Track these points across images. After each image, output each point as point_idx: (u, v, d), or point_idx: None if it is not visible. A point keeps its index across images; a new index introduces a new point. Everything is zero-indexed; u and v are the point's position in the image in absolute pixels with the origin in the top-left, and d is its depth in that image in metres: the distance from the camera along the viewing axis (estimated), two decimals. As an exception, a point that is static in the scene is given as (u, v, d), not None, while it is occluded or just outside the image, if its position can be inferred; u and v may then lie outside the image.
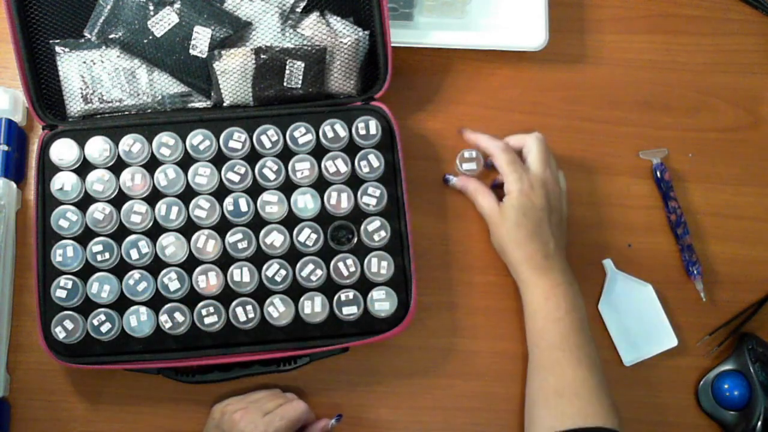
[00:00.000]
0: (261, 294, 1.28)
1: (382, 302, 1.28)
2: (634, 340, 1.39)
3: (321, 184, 1.31)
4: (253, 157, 1.31)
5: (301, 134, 1.31)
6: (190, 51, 1.32)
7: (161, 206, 1.28)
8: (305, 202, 1.29)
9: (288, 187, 1.30)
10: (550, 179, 1.34)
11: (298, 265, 1.28)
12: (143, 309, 1.27)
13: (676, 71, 1.51)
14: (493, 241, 1.37)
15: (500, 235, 1.34)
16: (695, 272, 1.41)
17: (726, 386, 1.37)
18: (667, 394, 1.40)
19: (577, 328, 1.29)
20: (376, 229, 1.29)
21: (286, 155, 1.31)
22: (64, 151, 1.30)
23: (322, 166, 1.30)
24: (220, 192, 1.30)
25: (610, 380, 1.37)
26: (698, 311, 1.42)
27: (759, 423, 1.34)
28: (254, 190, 1.30)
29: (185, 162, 1.30)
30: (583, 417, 1.23)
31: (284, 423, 1.24)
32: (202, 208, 1.29)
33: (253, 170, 1.30)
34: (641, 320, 1.40)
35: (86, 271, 1.28)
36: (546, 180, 1.33)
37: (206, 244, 1.28)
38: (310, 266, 1.28)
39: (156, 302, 1.28)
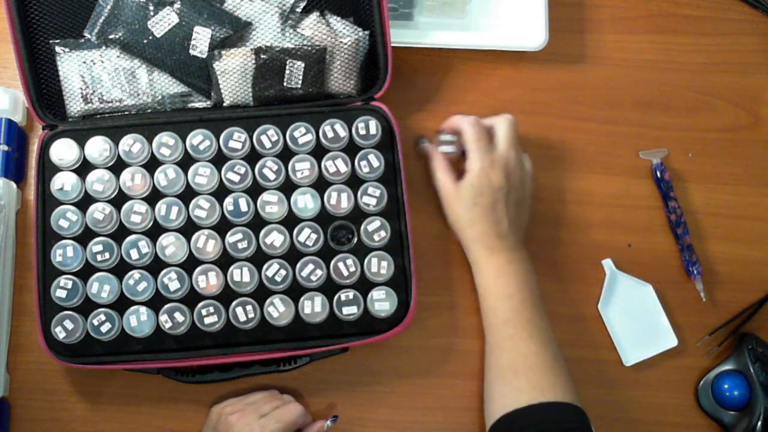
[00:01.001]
0: (261, 294, 1.28)
1: (382, 302, 1.28)
2: (634, 340, 1.39)
3: (321, 184, 1.31)
4: (253, 157, 1.31)
5: (301, 134, 1.31)
6: (190, 51, 1.32)
7: (161, 206, 1.28)
8: (305, 202, 1.29)
9: (288, 187, 1.30)
10: (512, 159, 1.34)
11: (298, 265, 1.28)
12: (143, 309, 1.27)
13: (676, 71, 1.51)
14: (448, 218, 1.37)
15: (455, 213, 1.35)
16: (695, 272, 1.41)
17: (726, 386, 1.37)
18: (667, 394, 1.40)
19: (528, 303, 1.30)
20: (376, 229, 1.29)
21: (286, 155, 1.31)
22: (64, 151, 1.30)
23: (322, 166, 1.30)
24: (220, 192, 1.30)
25: (611, 380, 1.38)
26: (698, 311, 1.42)
27: (759, 423, 1.34)
28: (254, 190, 1.30)
29: (185, 162, 1.30)
30: (540, 391, 1.24)
31: (280, 426, 1.24)
32: (202, 208, 1.29)
33: (253, 170, 1.30)
34: (641, 320, 1.40)
35: (86, 271, 1.28)
36: (508, 159, 1.33)
37: (206, 244, 1.28)
38: (310, 266, 1.28)
39: (156, 302, 1.28)
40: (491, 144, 1.34)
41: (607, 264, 1.42)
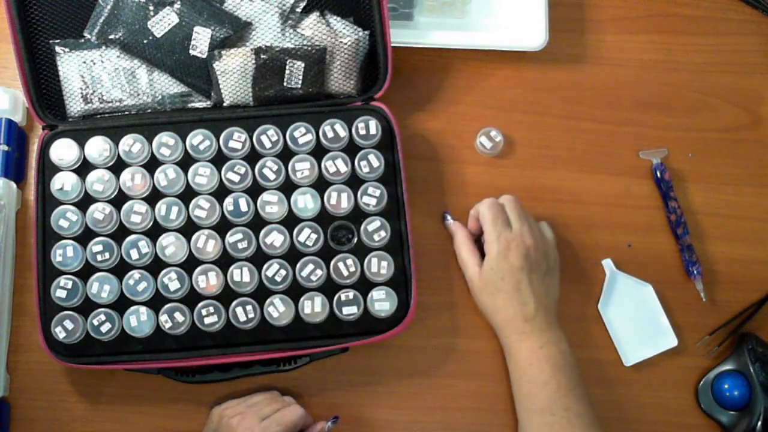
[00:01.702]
0: (261, 294, 1.28)
1: (382, 302, 1.28)
2: (634, 340, 1.39)
3: (321, 184, 1.31)
4: (253, 157, 1.31)
5: (301, 134, 1.31)
6: (190, 51, 1.32)
7: (161, 206, 1.28)
8: (305, 202, 1.29)
9: (288, 187, 1.30)
10: (527, 233, 1.32)
11: (298, 265, 1.28)
12: (143, 309, 1.27)
13: (676, 71, 1.51)
14: (476, 301, 1.37)
15: (480, 301, 1.35)
16: (695, 272, 1.41)
17: (726, 386, 1.37)
18: (667, 394, 1.40)
19: (565, 389, 1.27)
20: (376, 229, 1.29)
21: (286, 155, 1.31)
22: (64, 151, 1.30)
23: (322, 166, 1.30)
24: (220, 192, 1.30)
25: (611, 380, 1.37)
26: (698, 311, 1.42)
27: (759, 423, 1.34)
28: (254, 190, 1.30)
29: (185, 162, 1.30)
30: None
31: (281, 429, 1.24)
32: (202, 208, 1.29)
33: (253, 170, 1.30)
34: (641, 320, 1.40)
35: (86, 271, 1.28)
36: (523, 236, 1.32)
37: (206, 244, 1.28)
38: (310, 266, 1.28)
39: (156, 302, 1.27)
40: (508, 224, 1.33)
41: (607, 264, 1.42)
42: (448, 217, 1.41)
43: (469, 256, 1.35)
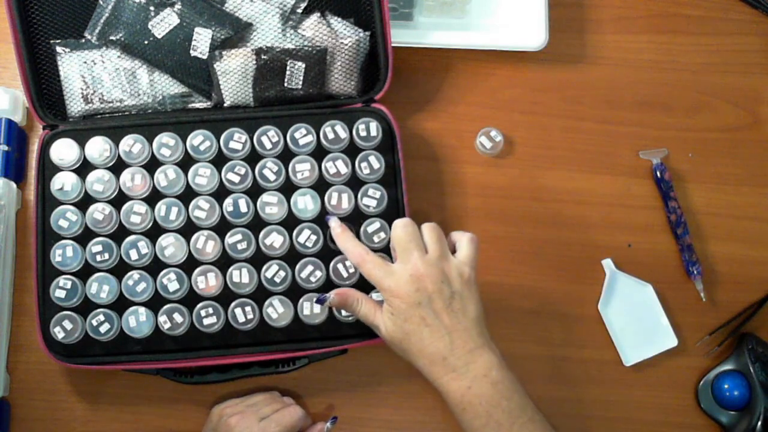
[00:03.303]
0: (260, 295, 1.28)
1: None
2: (634, 340, 1.40)
3: (321, 186, 1.31)
4: (253, 157, 1.31)
5: (302, 135, 1.31)
6: (191, 52, 1.32)
7: (161, 207, 1.28)
8: (305, 203, 1.29)
9: (288, 188, 1.30)
10: (418, 262, 1.19)
11: (298, 266, 1.28)
12: (142, 309, 1.27)
13: (676, 71, 1.51)
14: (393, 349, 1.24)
15: (396, 348, 1.22)
16: (695, 272, 1.41)
17: (726, 386, 1.37)
18: (667, 394, 1.40)
19: (506, 425, 1.14)
20: (376, 231, 1.29)
21: (286, 156, 1.31)
22: (64, 151, 1.30)
23: (323, 167, 1.30)
24: (220, 193, 1.30)
25: (611, 380, 1.38)
26: (698, 311, 1.42)
27: (759, 423, 1.34)
28: (254, 191, 1.30)
29: (185, 162, 1.30)
30: None
31: (280, 429, 1.24)
32: (201, 209, 1.28)
33: (253, 171, 1.30)
34: (641, 320, 1.40)
35: (86, 272, 1.28)
36: (415, 267, 1.19)
37: (206, 244, 1.28)
38: (310, 267, 1.28)
39: (155, 303, 1.28)
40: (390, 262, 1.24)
41: (607, 264, 1.42)
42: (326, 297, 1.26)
43: (369, 307, 1.23)
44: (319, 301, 1.24)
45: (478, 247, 1.24)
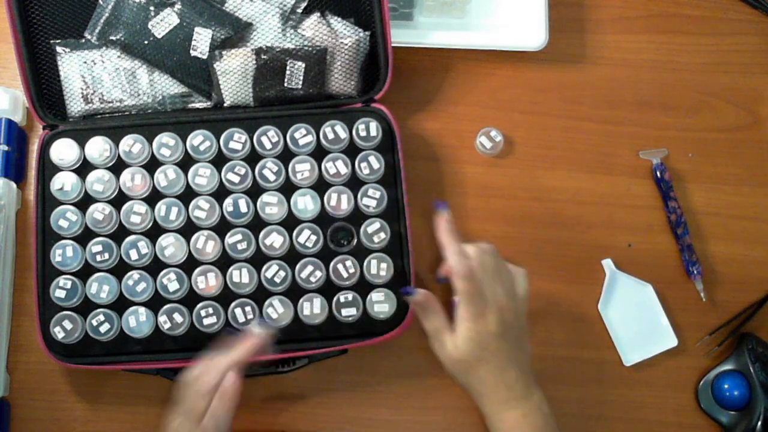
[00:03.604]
0: (260, 295, 1.28)
1: (381, 304, 1.28)
2: (634, 340, 1.40)
3: (321, 186, 1.31)
4: (253, 158, 1.31)
5: (302, 135, 1.31)
6: (191, 52, 1.32)
7: (161, 207, 1.28)
8: (305, 203, 1.29)
9: (288, 189, 1.30)
10: (501, 293, 1.24)
11: (298, 267, 1.28)
12: (142, 309, 1.27)
13: (676, 71, 1.51)
14: (450, 372, 1.27)
15: (457, 371, 1.26)
16: (695, 272, 1.41)
17: (726, 386, 1.37)
18: (667, 394, 1.40)
19: None
20: (375, 231, 1.29)
21: (286, 156, 1.31)
22: (64, 151, 1.30)
23: (323, 167, 1.30)
24: (220, 193, 1.30)
25: (611, 380, 1.37)
26: (698, 311, 1.42)
27: (759, 423, 1.34)
28: (254, 191, 1.30)
29: (185, 163, 1.30)
30: None
31: (216, 422, 1.18)
32: (201, 209, 1.28)
33: (253, 171, 1.30)
34: (641, 320, 1.40)
35: (85, 272, 1.28)
36: (497, 296, 1.23)
37: (206, 244, 1.28)
38: (310, 267, 1.28)
39: (155, 303, 1.28)
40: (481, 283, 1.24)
41: (607, 264, 1.42)
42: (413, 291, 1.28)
43: (443, 323, 1.25)
44: (406, 292, 1.27)
45: None
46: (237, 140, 1.30)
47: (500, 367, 1.23)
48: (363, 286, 1.29)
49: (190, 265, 1.29)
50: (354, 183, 1.31)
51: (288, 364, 1.30)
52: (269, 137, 1.30)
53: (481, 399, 1.25)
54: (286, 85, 1.33)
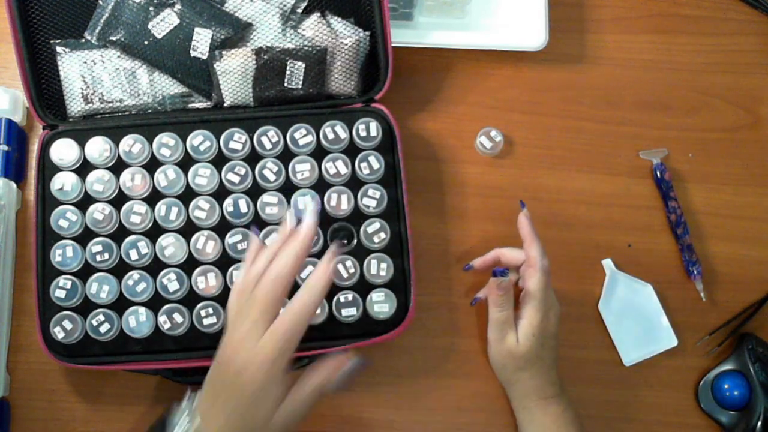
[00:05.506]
0: (260, 295, 1.28)
1: (381, 304, 1.28)
2: (634, 340, 1.40)
3: (321, 186, 1.31)
4: (253, 158, 1.31)
5: (302, 135, 1.31)
6: (191, 52, 1.32)
7: (161, 207, 1.28)
8: (305, 203, 1.29)
9: (288, 189, 1.30)
10: (554, 302, 1.31)
11: (298, 267, 1.28)
12: (142, 309, 1.27)
13: (676, 71, 1.51)
14: (500, 371, 1.34)
15: (510, 369, 1.31)
16: (695, 272, 1.41)
17: (726, 386, 1.37)
18: (667, 394, 1.40)
19: None
20: (375, 231, 1.29)
21: (286, 156, 1.31)
22: (64, 151, 1.29)
23: (323, 167, 1.30)
24: (220, 193, 1.30)
25: (611, 380, 1.38)
26: (698, 311, 1.42)
27: (759, 423, 1.34)
28: (254, 191, 1.30)
29: (185, 163, 1.30)
30: None
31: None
32: (201, 209, 1.28)
33: (253, 171, 1.30)
34: (641, 320, 1.40)
35: (85, 272, 1.28)
36: (554, 299, 1.31)
37: (206, 245, 1.28)
38: (310, 267, 1.28)
39: (155, 303, 1.27)
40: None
41: (607, 264, 1.42)
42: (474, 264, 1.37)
43: (511, 317, 1.30)
44: (500, 272, 1.28)
45: None
46: (237, 140, 1.30)
47: (550, 366, 1.30)
48: (363, 286, 1.29)
49: (190, 265, 1.28)
50: (354, 183, 1.31)
51: (288, 364, 1.30)
52: (269, 137, 1.30)
53: (525, 396, 1.31)
54: (286, 85, 1.33)
